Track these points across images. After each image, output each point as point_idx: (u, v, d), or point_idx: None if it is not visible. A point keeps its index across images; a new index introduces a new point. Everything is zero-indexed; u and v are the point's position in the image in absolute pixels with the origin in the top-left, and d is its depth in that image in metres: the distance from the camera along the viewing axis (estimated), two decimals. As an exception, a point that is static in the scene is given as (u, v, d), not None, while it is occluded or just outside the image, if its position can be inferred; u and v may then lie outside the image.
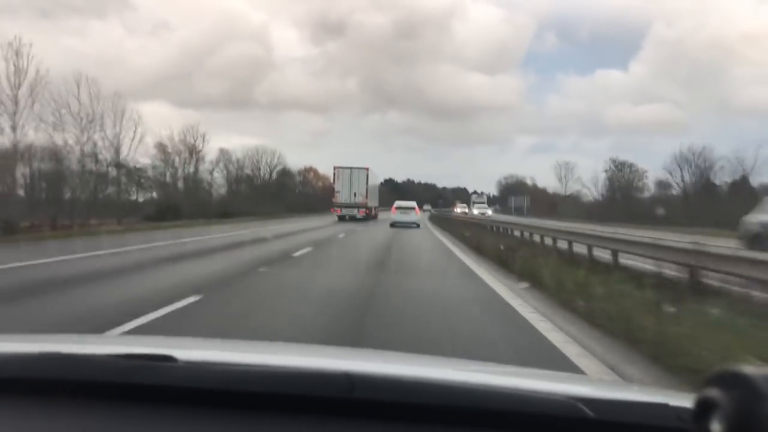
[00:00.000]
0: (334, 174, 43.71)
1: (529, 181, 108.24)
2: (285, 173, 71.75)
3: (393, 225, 31.09)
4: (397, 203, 34.64)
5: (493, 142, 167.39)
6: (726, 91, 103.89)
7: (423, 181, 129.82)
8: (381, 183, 47.07)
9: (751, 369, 0.72)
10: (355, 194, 42.36)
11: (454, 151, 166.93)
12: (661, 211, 47.62)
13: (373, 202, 46.25)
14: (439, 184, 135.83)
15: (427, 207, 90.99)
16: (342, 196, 42.60)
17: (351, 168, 43.57)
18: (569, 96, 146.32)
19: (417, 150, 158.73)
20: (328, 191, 72.59)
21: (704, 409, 0.74)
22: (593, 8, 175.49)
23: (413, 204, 34.65)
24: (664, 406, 1.08)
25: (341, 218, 40.79)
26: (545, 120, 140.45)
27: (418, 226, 31.84)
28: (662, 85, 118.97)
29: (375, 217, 47.48)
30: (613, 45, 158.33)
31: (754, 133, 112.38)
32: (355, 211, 41.57)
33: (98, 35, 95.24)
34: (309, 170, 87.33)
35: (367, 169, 43.73)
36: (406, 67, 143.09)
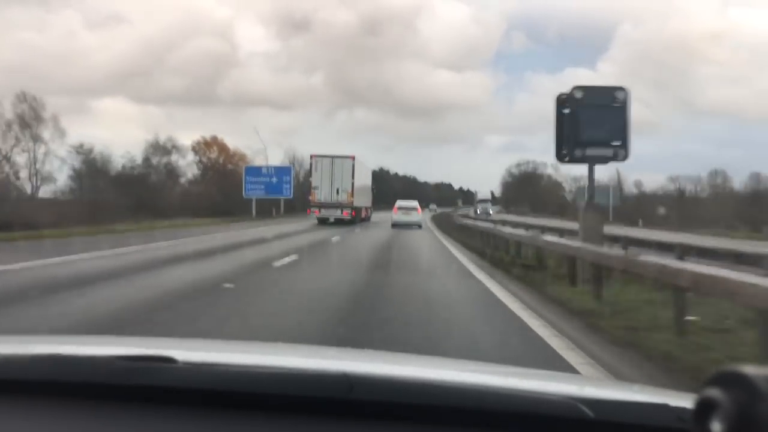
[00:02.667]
0: (311, 164, 34.97)
1: (551, 170, 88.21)
2: (159, 148, 46.62)
3: (394, 225, 30.89)
4: (399, 203, 33.60)
5: (464, 141, 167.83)
6: (692, 91, 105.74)
7: (401, 173, 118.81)
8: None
9: (751, 369, 0.72)
10: (338, 190, 33.60)
11: (425, 149, 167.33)
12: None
13: (362, 201, 37.54)
14: (420, 179, 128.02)
15: (432, 207, 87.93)
16: (321, 192, 33.69)
17: (332, 157, 34.50)
18: (539, 95, 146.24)
19: (387, 149, 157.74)
20: (236, 178, 48.02)
21: (704, 409, 0.73)
22: (561, 8, 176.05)
23: (415, 204, 33.77)
24: (664, 407, 1.08)
25: (321, 221, 33.51)
26: (515, 119, 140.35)
27: (420, 226, 31.61)
28: (630, 84, 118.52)
29: (366, 219, 39.30)
30: (582, 45, 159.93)
31: (720, 133, 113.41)
32: (338, 212, 33.46)
33: (52, 28, 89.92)
34: (210, 144, 55.72)
35: (353, 158, 34.63)
36: (375, 65, 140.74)
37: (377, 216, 43.67)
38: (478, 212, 62.48)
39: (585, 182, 11.84)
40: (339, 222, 33.00)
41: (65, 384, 1.14)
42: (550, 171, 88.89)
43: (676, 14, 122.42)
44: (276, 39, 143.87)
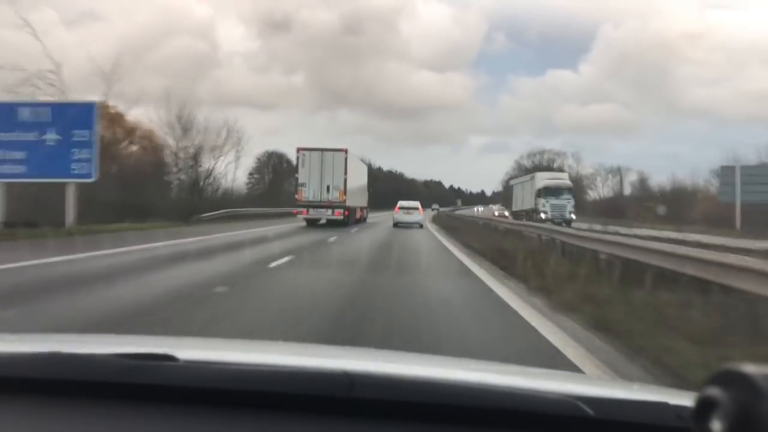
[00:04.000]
0: (298, 159, 30.20)
1: (571, 161, 71.50)
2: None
3: (396, 225, 31.12)
4: (401, 203, 33.61)
5: (447, 142, 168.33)
6: (672, 92, 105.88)
7: (385, 169, 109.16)
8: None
9: (751, 368, 0.72)
10: (328, 188, 29.34)
11: (408, 150, 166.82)
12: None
13: (357, 200, 33.56)
14: (407, 176, 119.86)
15: (435, 206, 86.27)
16: (309, 191, 29.38)
17: (321, 150, 30.17)
18: (521, 96, 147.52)
19: (371, 149, 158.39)
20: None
21: (704, 407, 0.73)
22: (543, 9, 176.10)
23: (416, 204, 33.79)
24: (665, 405, 1.08)
25: (310, 222, 29.46)
26: (499, 120, 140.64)
27: (421, 226, 31.68)
28: (611, 85, 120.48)
29: (362, 220, 35.65)
30: (564, 46, 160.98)
31: (699, 133, 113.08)
32: (328, 212, 29.24)
33: (25, 25, 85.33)
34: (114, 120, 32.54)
35: (345, 151, 30.26)
36: (357, 65, 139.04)
37: (373, 217, 39.71)
38: (546, 215, 34.70)
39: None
40: (332, 224, 28.79)
41: (66, 382, 1.15)
42: (570, 162, 71.53)
43: (657, 16, 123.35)
44: (257, 39, 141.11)
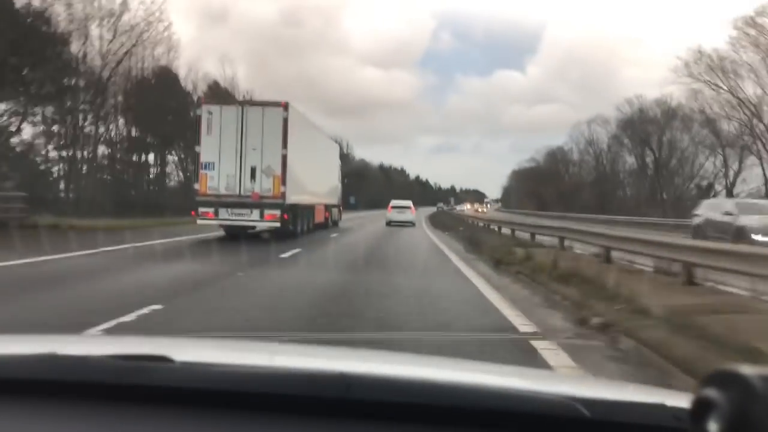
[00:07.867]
0: (200, 119, 17.01)
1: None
2: None
3: (389, 223, 32.00)
4: (393, 202, 35.01)
5: (395, 141, 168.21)
6: (616, 93, 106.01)
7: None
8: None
9: (748, 369, 0.72)
10: (252, 171, 16.74)
11: (357, 148, 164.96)
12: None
13: (314, 192, 20.83)
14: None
15: (440, 205, 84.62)
16: (218, 176, 16.83)
17: (241, 104, 18.73)
18: (470, 96, 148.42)
19: None
20: None
21: (701, 409, 0.73)
22: (490, 8, 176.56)
23: (409, 203, 35.09)
24: (661, 406, 1.08)
25: (229, 232, 17.61)
26: (447, 120, 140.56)
27: (413, 224, 32.51)
28: (558, 86, 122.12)
29: (329, 225, 24.36)
30: (511, 46, 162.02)
31: None
32: (254, 214, 16.76)
33: None
34: None
35: (285, 106, 17.01)
36: (299, 60, 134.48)
37: (350, 220, 31.39)
38: None
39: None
40: (255, 236, 18.13)
41: (61, 384, 1.14)
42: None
43: (601, 18, 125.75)
44: (193, 30, 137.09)
